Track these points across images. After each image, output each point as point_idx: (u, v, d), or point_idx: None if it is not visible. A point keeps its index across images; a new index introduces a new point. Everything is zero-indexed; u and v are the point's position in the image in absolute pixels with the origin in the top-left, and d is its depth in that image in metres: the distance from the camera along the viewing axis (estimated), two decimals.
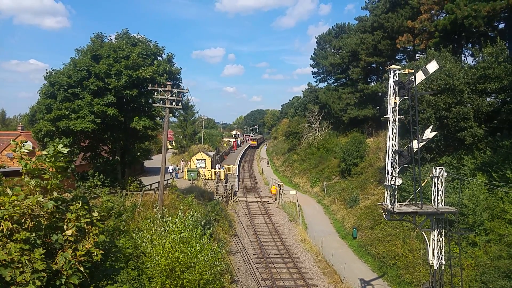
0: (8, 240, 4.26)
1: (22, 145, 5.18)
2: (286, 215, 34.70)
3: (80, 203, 5.04)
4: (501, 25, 31.88)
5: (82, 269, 4.53)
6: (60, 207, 4.91)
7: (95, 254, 4.79)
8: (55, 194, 4.90)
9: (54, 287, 4.36)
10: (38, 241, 4.50)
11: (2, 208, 4.38)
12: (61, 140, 5.22)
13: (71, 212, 4.88)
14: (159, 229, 15.06)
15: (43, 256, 4.26)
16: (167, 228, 14.79)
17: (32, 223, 4.51)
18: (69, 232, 4.71)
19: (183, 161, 54.74)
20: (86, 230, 4.94)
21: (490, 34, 31.25)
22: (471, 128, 23.96)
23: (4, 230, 4.21)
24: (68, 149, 5.17)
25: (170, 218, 15.32)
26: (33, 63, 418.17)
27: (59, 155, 5.05)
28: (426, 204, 13.85)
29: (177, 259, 13.40)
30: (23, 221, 4.43)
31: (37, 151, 26.85)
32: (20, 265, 4.07)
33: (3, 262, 3.98)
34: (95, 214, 5.16)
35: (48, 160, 5.02)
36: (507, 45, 26.22)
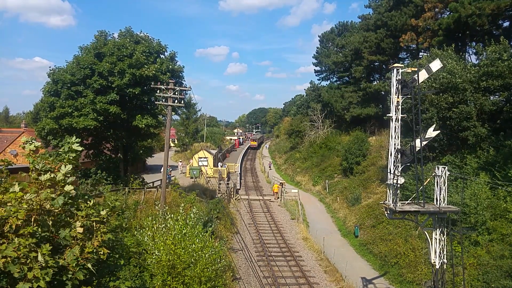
0: (15, 237, 4.29)
1: (31, 142, 5.23)
2: (288, 213, 34.72)
3: (92, 202, 5.11)
4: (506, 23, 31.73)
5: (89, 265, 4.57)
6: (69, 203, 4.95)
7: (102, 252, 4.83)
8: (67, 188, 4.92)
9: (59, 283, 4.40)
10: (45, 237, 4.54)
11: (8, 204, 4.41)
12: (76, 139, 5.31)
13: (81, 210, 4.93)
14: (160, 226, 15.14)
15: (49, 252, 4.29)
16: (169, 225, 14.86)
17: (39, 218, 4.54)
18: (80, 230, 4.76)
19: (181, 161, 54.69)
20: (94, 228, 4.98)
21: (494, 32, 31.11)
22: (474, 128, 23.87)
23: (13, 225, 4.24)
24: (82, 149, 5.26)
25: (171, 215, 15.38)
26: (38, 61, 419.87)
27: (72, 153, 5.12)
28: (428, 203, 13.84)
29: (178, 256, 13.46)
30: (30, 216, 4.46)
31: (41, 149, 26.93)
32: (29, 261, 4.11)
33: (10, 258, 4.01)
34: (103, 213, 5.20)
35: (66, 156, 5.09)
36: (511, 44, 26.08)
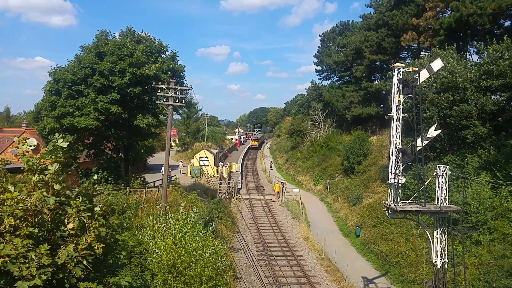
0: (13, 236, 4.30)
1: (24, 141, 5.20)
2: (289, 213, 34.70)
3: (81, 198, 5.06)
4: (507, 23, 31.67)
5: (85, 262, 4.57)
6: (63, 202, 4.93)
7: (96, 248, 4.82)
8: (57, 187, 4.91)
9: (58, 280, 4.41)
10: (41, 238, 4.54)
11: (5, 204, 4.41)
12: (61, 135, 5.22)
13: (71, 207, 4.91)
14: (161, 225, 15.16)
15: (48, 251, 4.30)
16: (169, 225, 14.88)
17: (35, 219, 4.54)
18: (70, 226, 4.75)
19: (182, 161, 54.72)
20: (87, 225, 4.96)
21: (495, 32, 31.05)
22: (474, 127, 23.83)
23: (7, 226, 4.25)
24: (68, 143, 5.16)
25: (172, 215, 15.40)
26: (39, 61, 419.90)
27: (59, 150, 5.06)
28: (429, 203, 13.82)
29: (179, 255, 13.47)
30: (25, 217, 4.46)
31: (42, 148, 26.95)
32: (27, 260, 4.12)
33: (8, 257, 4.02)
34: (97, 208, 5.19)
35: (49, 156, 5.04)
36: None
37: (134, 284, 12.30)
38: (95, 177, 5.75)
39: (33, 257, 4.12)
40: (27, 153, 5.10)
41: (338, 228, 31.51)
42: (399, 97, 13.29)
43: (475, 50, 32.68)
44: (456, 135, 24.73)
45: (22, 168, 5.15)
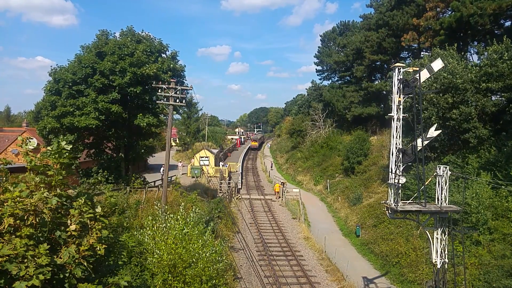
0: (13, 236, 4.30)
1: (27, 141, 5.21)
2: (289, 213, 34.71)
3: (83, 199, 5.08)
4: (507, 23, 31.65)
5: (85, 263, 4.59)
6: (64, 203, 4.95)
7: (98, 249, 4.84)
8: (58, 190, 4.94)
9: (58, 281, 4.42)
10: (41, 238, 4.55)
11: (5, 204, 4.41)
12: (65, 137, 5.28)
13: (74, 208, 4.92)
14: (161, 225, 15.17)
15: (47, 251, 4.30)
16: (169, 225, 14.89)
17: (36, 219, 4.55)
18: (72, 227, 4.76)
19: (181, 162, 54.71)
20: (89, 226, 4.97)
21: (496, 32, 31.02)
22: (476, 129, 23.77)
23: (6, 226, 4.26)
24: (71, 146, 5.19)
25: (172, 215, 15.41)
26: (40, 60, 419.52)
27: (63, 152, 5.08)
28: (429, 203, 13.81)
29: (179, 255, 13.47)
30: (26, 217, 4.47)
31: (42, 147, 26.99)
32: (25, 260, 4.13)
33: (8, 257, 4.03)
34: (98, 209, 5.20)
35: (52, 157, 5.06)
36: None
37: (133, 283, 12.30)
38: (99, 176, 5.81)
39: (30, 257, 4.12)
40: (30, 153, 5.11)
41: (338, 228, 31.51)
42: (399, 97, 13.28)
43: (476, 50, 32.66)
44: (457, 136, 24.70)
45: (26, 167, 5.15)
